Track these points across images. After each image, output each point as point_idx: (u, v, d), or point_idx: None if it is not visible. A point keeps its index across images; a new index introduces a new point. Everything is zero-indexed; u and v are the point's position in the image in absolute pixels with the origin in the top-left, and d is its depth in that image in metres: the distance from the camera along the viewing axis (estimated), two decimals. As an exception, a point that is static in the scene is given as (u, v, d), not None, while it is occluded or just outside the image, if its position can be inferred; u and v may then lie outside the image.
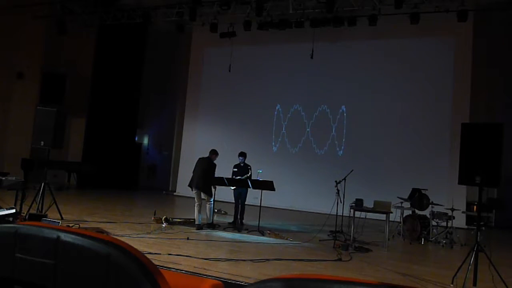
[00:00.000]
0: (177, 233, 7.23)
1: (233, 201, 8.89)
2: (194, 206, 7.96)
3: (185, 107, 15.24)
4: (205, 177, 7.91)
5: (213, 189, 8.22)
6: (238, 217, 8.73)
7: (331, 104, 13.07)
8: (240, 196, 8.71)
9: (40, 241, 1.32)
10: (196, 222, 7.87)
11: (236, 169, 8.85)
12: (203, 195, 7.97)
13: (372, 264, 6.06)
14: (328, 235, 7.97)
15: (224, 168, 9.04)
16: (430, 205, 8.43)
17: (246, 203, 8.76)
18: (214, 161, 8.18)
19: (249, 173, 8.74)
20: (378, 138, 12.31)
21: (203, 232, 7.67)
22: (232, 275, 4.78)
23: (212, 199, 8.08)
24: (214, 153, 8.28)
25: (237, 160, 8.91)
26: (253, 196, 8.94)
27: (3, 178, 7.13)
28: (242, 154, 8.90)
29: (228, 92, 14.34)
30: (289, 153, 13.47)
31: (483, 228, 8.70)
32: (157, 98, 16.62)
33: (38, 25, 12.97)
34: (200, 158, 8.24)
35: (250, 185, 8.23)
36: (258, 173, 8.70)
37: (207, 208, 8.06)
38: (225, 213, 10.23)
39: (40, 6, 12.36)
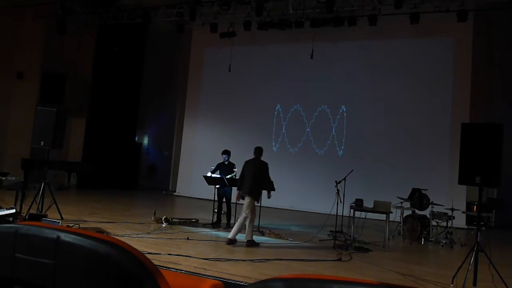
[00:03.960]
0: (177, 233, 7.24)
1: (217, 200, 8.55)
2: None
3: (185, 107, 15.23)
4: (259, 180, 6.97)
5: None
6: (224, 217, 8.51)
7: (331, 104, 13.07)
8: (224, 195, 8.42)
9: (40, 241, 1.32)
10: (229, 237, 6.78)
11: (220, 168, 8.51)
12: (246, 200, 6.89)
13: (372, 264, 6.06)
14: (328, 235, 7.96)
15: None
16: (430, 205, 8.43)
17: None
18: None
19: (234, 173, 8.33)
20: (378, 138, 12.30)
21: (203, 232, 7.67)
22: (232, 275, 4.78)
23: (248, 213, 6.79)
24: (261, 151, 7.22)
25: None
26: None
27: (3, 178, 7.14)
28: (226, 152, 8.54)
29: (228, 92, 14.33)
30: (289, 153, 13.46)
31: (483, 228, 8.69)
32: (157, 98, 16.61)
33: (38, 25, 12.94)
34: (247, 161, 7.15)
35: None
36: None
37: (247, 222, 6.80)
38: (225, 213, 10.21)
39: (40, 6, 12.35)
